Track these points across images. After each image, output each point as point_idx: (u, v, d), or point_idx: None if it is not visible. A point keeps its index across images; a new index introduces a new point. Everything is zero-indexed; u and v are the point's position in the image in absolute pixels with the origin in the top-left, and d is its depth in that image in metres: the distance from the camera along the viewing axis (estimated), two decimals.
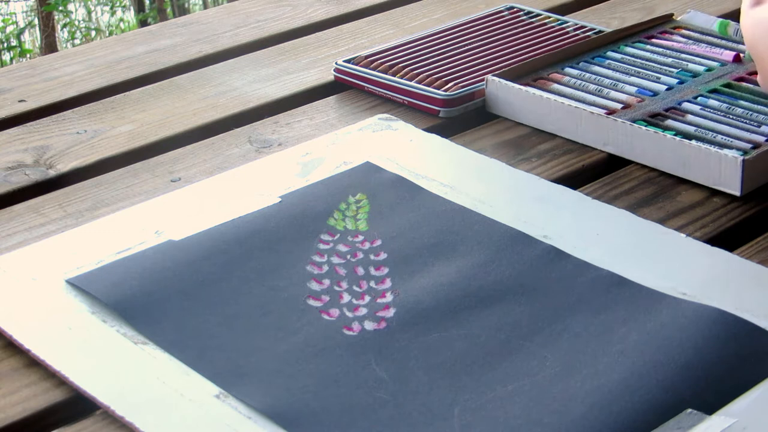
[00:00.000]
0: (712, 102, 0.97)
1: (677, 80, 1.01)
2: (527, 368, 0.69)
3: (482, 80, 1.03)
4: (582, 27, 1.15)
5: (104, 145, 0.99)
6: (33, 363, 0.71)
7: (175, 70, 1.14)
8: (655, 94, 0.99)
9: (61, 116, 1.04)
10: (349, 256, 0.80)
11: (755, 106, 0.96)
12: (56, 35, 5.88)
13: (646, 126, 0.92)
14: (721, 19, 0.89)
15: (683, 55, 1.06)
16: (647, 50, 1.07)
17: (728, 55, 1.05)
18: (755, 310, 0.73)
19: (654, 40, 1.09)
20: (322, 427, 0.65)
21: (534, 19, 1.18)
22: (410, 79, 1.04)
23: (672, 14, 1.14)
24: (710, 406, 0.65)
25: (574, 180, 0.91)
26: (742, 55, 1.04)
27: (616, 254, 0.80)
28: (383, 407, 0.66)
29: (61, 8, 5.95)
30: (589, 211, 0.85)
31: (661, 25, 1.12)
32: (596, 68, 1.04)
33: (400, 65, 1.07)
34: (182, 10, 6.70)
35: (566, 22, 1.17)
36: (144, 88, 1.09)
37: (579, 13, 1.24)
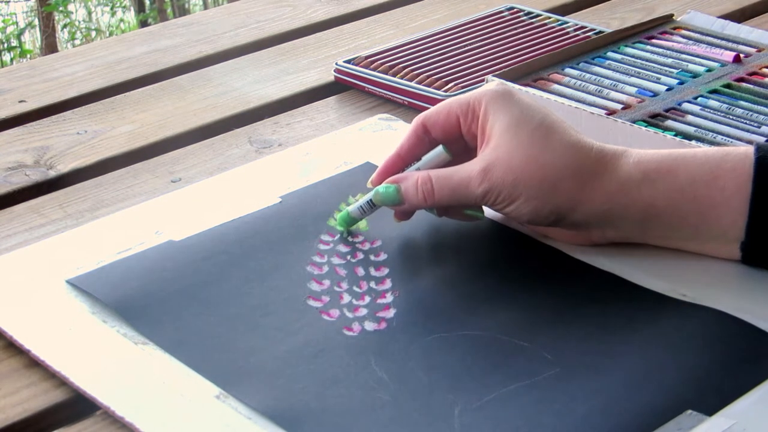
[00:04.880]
0: (712, 102, 0.97)
1: (677, 81, 1.01)
2: (527, 369, 0.69)
3: (482, 80, 1.03)
4: (582, 27, 1.15)
5: (104, 146, 0.99)
6: (33, 363, 0.71)
7: (175, 70, 1.14)
8: (655, 94, 0.99)
9: (61, 117, 1.04)
10: (349, 257, 0.80)
11: (755, 107, 0.96)
12: (56, 35, 5.88)
13: (646, 126, 0.92)
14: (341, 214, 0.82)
15: (683, 56, 1.06)
16: (647, 51, 1.07)
17: (728, 56, 1.05)
18: (755, 311, 0.73)
19: (654, 41, 1.09)
20: (322, 427, 0.65)
21: (534, 20, 1.18)
22: (410, 80, 1.04)
23: (672, 15, 1.14)
24: (710, 407, 0.65)
25: None
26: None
27: (616, 255, 0.79)
28: (383, 408, 0.66)
29: (61, 9, 5.95)
30: None
31: (661, 26, 1.12)
32: (596, 69, 1.04)
33: (401, 66, 1.07)
34: (182, 11, 6.70)
35: (566, 22, 1.17)
36: (144, 88, 1.09)
37: (579, 13, 1.24)
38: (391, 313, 0.74)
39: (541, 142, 0.76)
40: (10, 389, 0.70)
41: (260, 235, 0.82)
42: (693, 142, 0.90)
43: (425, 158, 0.80)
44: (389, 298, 0.76)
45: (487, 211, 0.83)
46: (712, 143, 0.91)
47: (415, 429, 0.65)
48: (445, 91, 1.02)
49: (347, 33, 1.21)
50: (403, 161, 0.81)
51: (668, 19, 1.13)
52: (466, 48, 1.11)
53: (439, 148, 0.80)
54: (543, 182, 0.76)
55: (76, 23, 6.78)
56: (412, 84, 1.04)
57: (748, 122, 0.94)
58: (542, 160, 0.76)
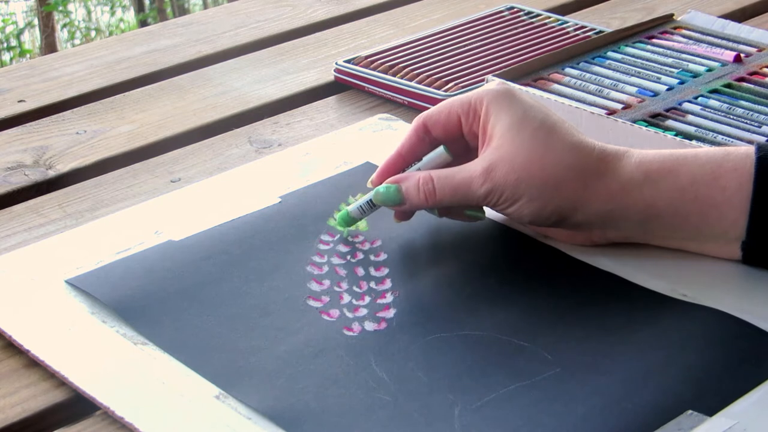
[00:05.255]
0: (713, 102, 0.97)
1: (678, 80, 1.01)
2: (528, 369, 0.69)
3: (482, 80, 1.03)
4: (582, 27, 1.15)
5: (104, 146, 0.99)
6: (33, 363, 0.71)
7: (175, 70, 1.13)
8: (655, 94, 0.99)
9: (60, 116, 1.04)
10: (349, 257, 0.80)
11: (755, 106, 0.96)
12: (56, 35, 5.89)
13: (646, 126, 0.92)
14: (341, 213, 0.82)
15: (684, 56, 1.06)
16: (648, 50, 1.07)
17: (729, 56, 1.05)
18: (756, 311, 0.73)
19: (654, 41, 1.09)
20: (322, 427, 0.65)
21: (534, 19, 1.17)
22: (410, 79, 1.04)
23: (672, 14, 1.14)
24: (710, 407, 0.65)
25: None
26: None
27: (617, 255, 0.79)
28: (383, 408, 0.66)
29: (61, 8, 5.95)
30: None
31: (661, 25, 1.12)
32: (596, 68, 1.04)
33: (400, 65, 1.07)
34: (182, 10, 6.71)
35: (566, 22, 1.17)
36: (144, 88, 1.09)
37: (579, 13, 1.24)
38: (391, 313, 0.74)
39: (544, 142, 0.76)
40: (9, 389, 0.69)
41: (260, 235, 0.82)
42: (693, 142, 0.90)
43: (426, 159, 0.80)
44: (389, 298, 0.76)
45: (488, 211, 0.83)
46: (712, 143, 0.91)
47: (415, 429, 0.65)
48: (445, 91, 1.02)
49: (347, 33, 1.21)
50: (403, 161, 0.81)
51: (668, 18, 1.13)
52: (466, 48, 1.11)
53: (440, 149, 0.80)
54: (545, 183, 0.76)
55: (76, 23, 6.78)
56: (412, 84, 1.03)
57: (748, 122, 0.94)
58: (545, 160, 0.76)
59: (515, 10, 1.19)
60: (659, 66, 1.04)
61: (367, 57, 1.09)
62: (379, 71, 1.06)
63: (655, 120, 0.95)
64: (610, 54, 1.06)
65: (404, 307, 0.75)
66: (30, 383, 0.70)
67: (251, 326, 0.73)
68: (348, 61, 1.08)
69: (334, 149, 0.94)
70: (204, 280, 0.77)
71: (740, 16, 1.23)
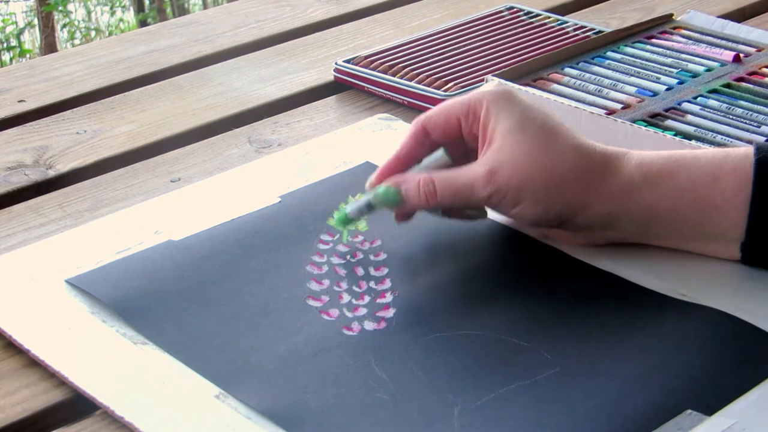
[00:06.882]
0: (712, 102, 0.97)
1: (677, 80, 1.01)
2: (527, 369, 0.69)
3: (482, 80, 1.03)
4: (582, 27, 1.15)
5: (104, 145, 0.99)
6: (33, 363, 0.71)
7: (175, 70, 1.14)
8: (654, 94, 0.99)
9: (60, 116, 1.04)
10: (348, 257, 0.80)
11: (755, 106, 0.96)
12: (56, 35, 5.89)
13: (646, 126, 0.92)
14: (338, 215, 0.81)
15: (683, 56, 1.06)
16: (647, 50, 1.07)
17: (728, 56, 1.05)
18: (755, 311, 0.73)
19: (654, 41, 1.09)
20: (322, 427, 0.65)
21: (534, 19, 1.18)
22: (410, 79, 1.04)
23: (672, 14, 1.14)
24: (710, 407, 0.65)
25: None
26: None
27: (616, 255, 0.79)
28: (383, 407, 0.66)
29: (60, 8, 5.95)
30: None
31: (660, 25, 1.12)
32: (596, 68, 1.04)
33: (400, 65, 1.07)
34: (182, 10, 6.71)
35: (566, 22, 1.17)
36: (144, 88, 1.09)
37: (579, 13, 1.24)
38: (390, 313, 0.74)
39: (545, 144, 0.76)
40: (9, 389, 0.70)
41: (260, 235, 0.82)
42: (693, 142, 0.90)
43: (425, 161, 0.80)
44: (389, 297, 0.76)
45: (488, 211, 0.83)
46: (711, 143, 0.91)
47: (415, 429, 0.65)
48: (445, 91, 1.02)
49: (347, 33, 1.21)
50: (402, 164, 0.81)
51: (668, 18, 1.13)
52: (466, 48, 1.11)
53: (440, 152, 0.80)
54: (548, 185, 0.76)
55: (76, 23, 6.78)
56: (412, 84, 1.04)
57: (747, 122, 0.94)
58: (547, 163, 0.76)
59: (515, 10, 1.19)
60: (658, 66, 1.04)
61: (366, 57, 1.09)
62: (378, 71, 1.06)
63: (654, 120, 0.95)
64: (609, 54, 1.07)
65: (404, 307, 0.75)
66: (30, 383, 0.70)
67: (251, 326, 0.73)
68: (348, 61, 1.08)
69: (333, 149, 0.94)
70: (204, 280, 0.77)
71: (739, 16, 1.23)
